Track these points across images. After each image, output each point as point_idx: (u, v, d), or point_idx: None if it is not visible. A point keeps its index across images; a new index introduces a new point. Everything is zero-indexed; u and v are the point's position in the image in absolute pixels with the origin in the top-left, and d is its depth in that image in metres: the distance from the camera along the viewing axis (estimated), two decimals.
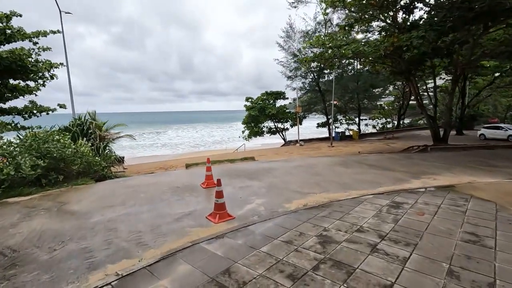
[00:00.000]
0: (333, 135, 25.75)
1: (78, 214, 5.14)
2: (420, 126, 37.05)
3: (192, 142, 50.16)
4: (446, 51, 12.82)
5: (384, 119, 36.79)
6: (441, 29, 10.82)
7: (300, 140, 23.02)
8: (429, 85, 34.07)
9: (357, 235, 3.65)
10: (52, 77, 15.32)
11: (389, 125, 36.81)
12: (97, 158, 9.29)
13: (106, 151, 11.81)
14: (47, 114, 15.13)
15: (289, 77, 27.50)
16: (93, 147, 10.71)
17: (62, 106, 17.56)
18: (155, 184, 7.26)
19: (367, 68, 25.24)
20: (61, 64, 15.87)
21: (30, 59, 12.59)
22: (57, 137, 8.09)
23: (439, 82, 30.78)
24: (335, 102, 21.99)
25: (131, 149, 40.23)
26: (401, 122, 35.06)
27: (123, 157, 16.44)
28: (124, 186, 7.11)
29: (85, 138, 10.66)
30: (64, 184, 7.53)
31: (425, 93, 25.99)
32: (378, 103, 36.18)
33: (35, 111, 16.22)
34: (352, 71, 26.37)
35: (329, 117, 29.25)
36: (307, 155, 15.64)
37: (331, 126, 25.37)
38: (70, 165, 8.03)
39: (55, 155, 7.57)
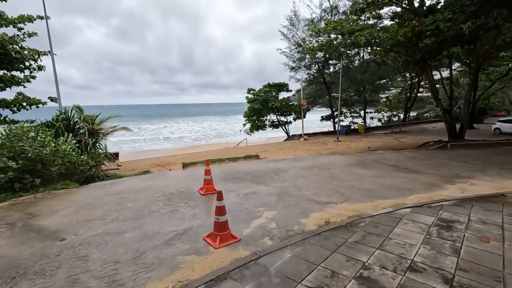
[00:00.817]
0: (339, 128, 24.71)
1: (45, 233, 4.13)
2: (427, 120, 35.89)
3: (192, 136, 49.18)
4: (469, 38, 11.63)
5: (389, 112, 35.58)
6: (466, 13, 9.66)
7: (304, 134, 21.95)
8: (436, 77, 32.81)
9: (412, 277, 2.63)
10: (40, 68, 14.26)
11: (395, 119, 35.63)
12: (83, 156, 8.25)
13: (97, 148, 10.76)
14: (37, 107, 14.10)
15: (292, 68, 26.28)
16: (80, 144, 9.69)
17: (53, 99, 16.50)
18: (146, 189, 6.24)
19: (374, 58, 24.00)
20: (49, 52, 14.75)
21: (14, 45, 11.48)
22: (32, 134, 7.05)
23: (445, 74, 29.53)
24: (338, 95, 20.84)
25: (133, 143, 39.30)
26: (407, 116, 33.87)
27: (117, 153, 15.42)
28: (110, 193, 6.09)
29: (71, 134, 9.60)
30: (40, 188, 6.53)
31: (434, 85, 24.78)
32: (384, 96, 34.95)
33: (24, 104, 15.13)
34: (359, 62, 25.09)
35: (334, 110, 28.14)
36: (314, 152, 14.61)
37: (337, 120, 24.24)
38: (49, 166, 7.00)
39: (30, 155, 6.54)
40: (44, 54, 13.22)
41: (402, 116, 34.00)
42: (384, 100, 34.68)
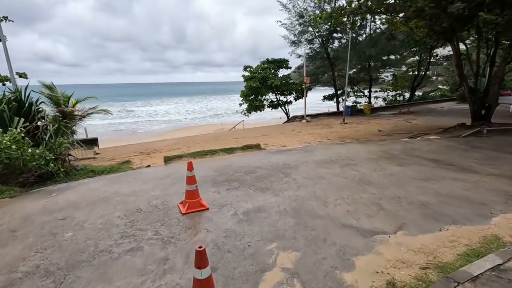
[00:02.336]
0: (345, 109, 22.82)
1: None
2: (433, 99, 34.04)
3: (187, 117, 46.96)
4: None
5: (394, 91, 33.50)
6: None
7: (307, 116, 20.00)
8: (448, 52, 30.54)
9: None
10: None
11: (400, 98, 33.67)
12: (33, 149, 6.31)
13: (62, 135, 8.69)
14: (3, 84, 12.09)
15: (293, 42, 23.72)
16: (36, 132, 7.70)
17: (22, 75, 14.28)
18: (105, 201, 4.40)
19: (385, 30, 21.65)
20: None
21: None
22: None
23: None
24: (345, 72, 18.71)
25: (120, 126, 37.11)
26: (413, 95, 31.88)
27: (96, 139, 13.41)
28: (52, 207, 4.24)
29: (23, 120, 7.55)
30: None
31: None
32: (389, 74, 32.71)
33: None
34: (367, 35, 22.66)
35: (342, 89, 26.02)
36: (320, 136, 12.80)
37: (343, 99, 22.19)
38: None
39: None
40: None
41: (407, 95, 32.06)
42: (390, 78, 32.46)
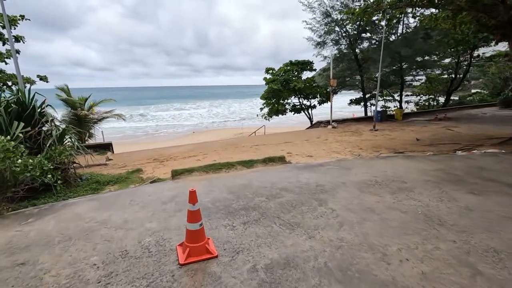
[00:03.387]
0: (376, 115, 21.08)
1: None
2: (472, 105, 31.15)
3: (207, 121, 46.68)
4: None
5: (427, 95, 30.94)
6: None
7: (333, 121, 18.49)
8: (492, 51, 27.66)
9: None
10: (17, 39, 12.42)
11: (433, 103, 31.06)
12: (26, 159, 5.50)
13: (67, 141, 7.90)
14: (25, 87, 11.95)
15: (318, 44, 22.34)
16: (39, 138, 6.97)
17: (43, 78, 14.12)
18: (85, 237, 3.37)
19: (426, 25, 19.74)
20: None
21: None
22: None
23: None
24: (378, 72, 17.06)
25: (138, 129, 37.30)
26: (449, 99, 29.24)
27: (110, 144, 12.77)
28: (14, 246, 3.26)
29: (22, 124, 6.82)
30: None
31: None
32: (420, 77, 30.23)
33: (9, 83, 13.11)
34: (401, 34, 20.76)
35: (371, 92, 24.28)
36: (349, 144, 11.39)
37: (372, 104, 20.46)
38: None
39: None
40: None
41: (442, 100, 29.52)
42: (423, 81, 29.95)
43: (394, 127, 17.36)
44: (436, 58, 21.82)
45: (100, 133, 15.72)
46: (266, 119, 22.24)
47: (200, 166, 6.03)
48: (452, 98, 34.19)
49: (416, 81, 27.82)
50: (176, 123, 41.09)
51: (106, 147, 12.03)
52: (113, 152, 13.02)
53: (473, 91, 40.82)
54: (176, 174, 5.66)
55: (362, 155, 9.25)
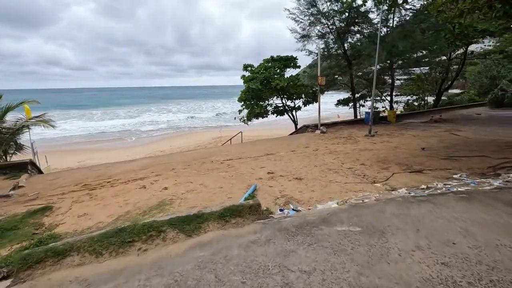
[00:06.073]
0: (363, 116, 18.77)
1: None
2: (462, 105, 29.71)
3: (183, 123, 43.34)
4: None
5: (417, 95, 29.15)
6: None
7: (321, 125, 15.98)
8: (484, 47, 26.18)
9: None
10: None
11: (422, 102, 29.38)
12: None
13: None
14: None
15: (302, 37, 19.83)
16: None
17: None
18: None
19: (416, 16, 17.67)
20: None
21: None
22: None
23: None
24: (373, 68, 14.72)
25: (121, 133, 33.60)
26: (440, 100, 27.57)
27: (27, 163, 9.51)
28: None
29: None
30: None
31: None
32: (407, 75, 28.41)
33: None
34: (393, 25, 18.58)
35: (361, 92, 22.04)
36: (344, 155, 8.90)
37: (361, 105, 18.17)
38: None
39: None
40: None
41: (431, 99, 27.83)
42: (407, 80, 28.05)
43: (391, 131, 15.04)
44: (435, 53, 19.79)
45: (35, 145, 12.41)
46: (245, 123, 19.46)
47: (91, 236, 3.10)
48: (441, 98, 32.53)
49: (404, 80, 25.98)
50: (153, 128, 37.55)
51: (22, 168, 8.85)
52: (36, 173, 9.81)
53: (455, 91, 39.85)
54: (26, 264, 2.73)
55: (368, 175, 6.66)
